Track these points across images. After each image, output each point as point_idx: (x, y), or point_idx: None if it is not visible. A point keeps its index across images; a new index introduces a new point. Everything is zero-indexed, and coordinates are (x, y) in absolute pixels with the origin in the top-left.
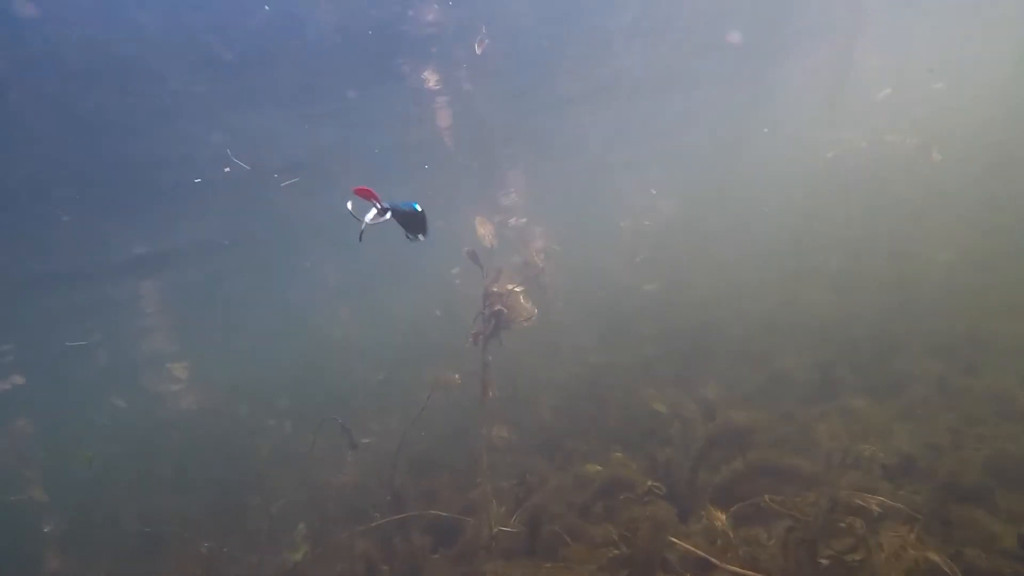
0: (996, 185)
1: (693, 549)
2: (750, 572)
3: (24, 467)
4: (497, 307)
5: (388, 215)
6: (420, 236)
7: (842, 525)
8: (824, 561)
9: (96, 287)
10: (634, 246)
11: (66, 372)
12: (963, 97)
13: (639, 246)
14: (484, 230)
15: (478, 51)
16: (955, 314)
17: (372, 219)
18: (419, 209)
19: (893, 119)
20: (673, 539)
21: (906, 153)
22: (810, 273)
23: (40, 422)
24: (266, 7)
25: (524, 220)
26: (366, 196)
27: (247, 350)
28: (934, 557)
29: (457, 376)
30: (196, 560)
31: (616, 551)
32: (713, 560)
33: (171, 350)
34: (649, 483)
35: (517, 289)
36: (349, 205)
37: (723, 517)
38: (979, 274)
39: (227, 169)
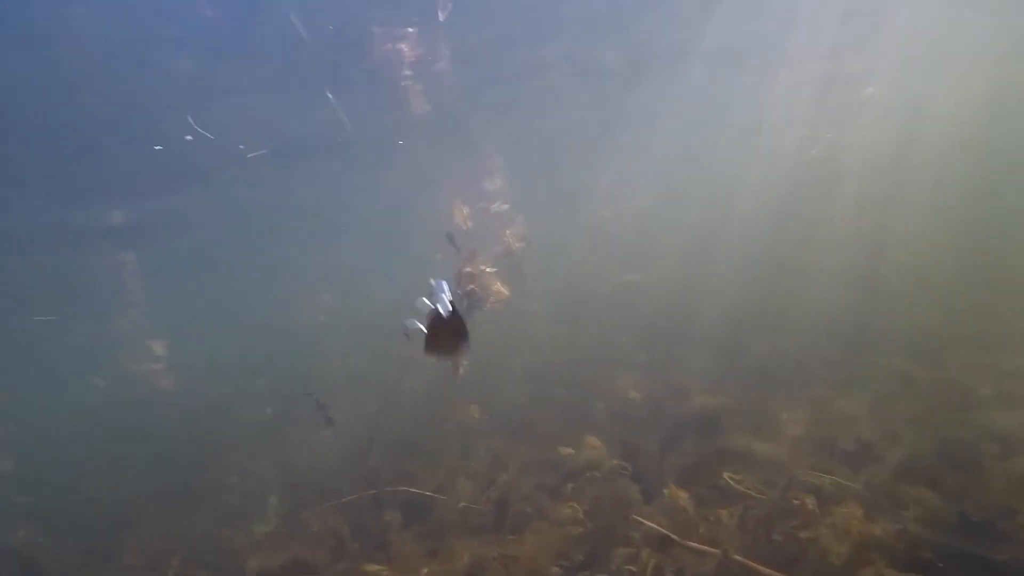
0: (976, 184)
1: (654, 526)
2: (707, 547)
3: None
4: (469, 287)
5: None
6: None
7: (796, 502)
8: (778, 537)
9: (75, 266)
10: (613, 236)
11: (41, 346)
12: (946, 97)
13: (618, 236)
14: (459, 213)
15: (441, 17)
16: (927, 310)
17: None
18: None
19: (876, 117)
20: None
21: (888, 151)
22: (788, 267)
23: (12, 394)
24: None
25: (506, 206)
26: None
27: (229, 333)
28: (878, 532)
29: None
30: (168, 534)
31: (580, 529)
32: (672, 536)
33: (150, 328)
34: (615, 462)
35: (489, 270)
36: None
37: (685, 496)
38: (953, 274)
39: (188, 137)
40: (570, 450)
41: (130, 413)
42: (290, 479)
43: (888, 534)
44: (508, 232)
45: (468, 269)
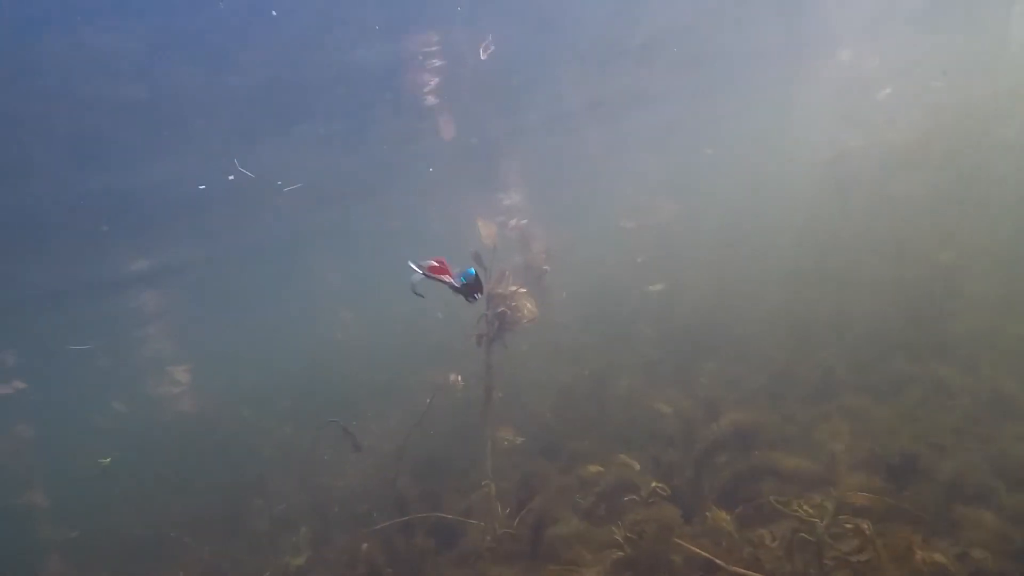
0: (996, 184)
1: (698, 551)
2: (754, 574)
3: (25, 471)
4: (501, 308)
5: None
6: (477, 296)
7: (848, 526)
8: (829, 562)
9: (98, 297)
10: (635, 247)
11: (67, 376)
12: (962, 96)
13: (640, 247)
14: (487, 231)
15: (483, 56)
16: (955, 314)
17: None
18: (475, 274)
19: (893, 118)
20: (679, 540)
21: (906, 152)
22: (811, 273)
23: (41, 426)
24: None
25: (525, 221)
26: (439, 272)
27: (249, 352)
28: (940, 558)
29: (457, 378)
30: (198, 564)
31: (620, 553)
32: (718, 561)
33: (172, 354)
34: (653, 484)
35: (521, 290)
36: (414, 280)
37: (727, 518)
38: (980, 273)
39: (231, 177)
40: (600, 468)
41: (154, 438)
42: (319, 504)
43: (950, 560)
44: (533, 247)
45: (499, 290)
